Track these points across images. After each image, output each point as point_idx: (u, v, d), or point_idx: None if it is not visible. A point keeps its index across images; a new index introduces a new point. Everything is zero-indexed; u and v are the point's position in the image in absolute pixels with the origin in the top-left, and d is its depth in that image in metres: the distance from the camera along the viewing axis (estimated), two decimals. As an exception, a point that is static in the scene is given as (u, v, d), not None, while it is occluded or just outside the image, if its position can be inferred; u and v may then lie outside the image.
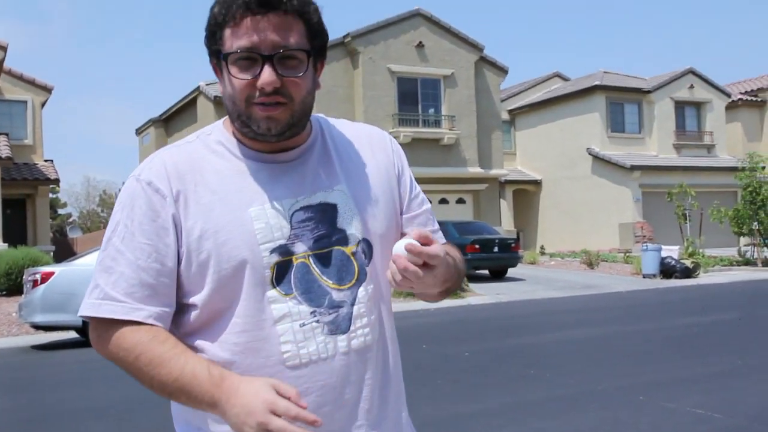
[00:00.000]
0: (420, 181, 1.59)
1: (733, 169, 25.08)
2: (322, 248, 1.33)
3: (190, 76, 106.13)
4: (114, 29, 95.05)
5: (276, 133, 1.30)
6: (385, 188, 1.44)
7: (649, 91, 29.13)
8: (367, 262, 1.37)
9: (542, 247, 29.04)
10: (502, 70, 27.07)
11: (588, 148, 28.58)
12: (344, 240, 1.35)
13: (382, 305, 1.42)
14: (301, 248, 1.32)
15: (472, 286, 16.20)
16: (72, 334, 10.97)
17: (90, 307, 1.31)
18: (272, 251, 1.30)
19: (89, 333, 1.36)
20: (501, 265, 18.95)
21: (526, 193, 31.29)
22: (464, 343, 9.01)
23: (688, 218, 23.58)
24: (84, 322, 10.03)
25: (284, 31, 1.26)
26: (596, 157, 28.30)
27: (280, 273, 1.31)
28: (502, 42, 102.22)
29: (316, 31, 1.31)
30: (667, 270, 18.44)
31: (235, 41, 1.26)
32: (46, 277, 10.08)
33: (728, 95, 30.74)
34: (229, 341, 1.30)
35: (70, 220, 54.26)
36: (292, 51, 1.27)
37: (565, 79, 34.38)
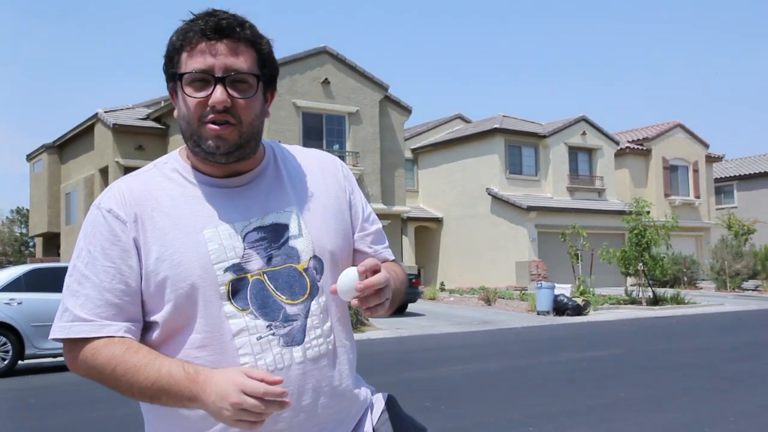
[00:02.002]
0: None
1: (621, 213, 26.42)
2: (275, 266, 1.43)
3: (87, 104, 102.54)
4: (4, 54, 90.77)
5: (224, 152, 1.38)
6: (335, 209, 1.54)
7: (545, 136, 30.46)
8: (319, 277, 1.47)
9: (442, 284, 29.51)
10: (406, 110, 27.66)
11: (487, 188, 29.48)
12: (296, 257, 1.45)
13: (334, 316, 1.51)
14: (255, 266, 1.41)
15: (372, 320, 16.23)
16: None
17: (61, 330, 1.38)
18: (226, 270, 1.39)
19: (64, 355, 1.43)
20: (401, 300, 19.09)
21: (427, 231, 31.83)
22: (362, 377, 8.96)
23: (580, 258, 24.61)
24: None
25: (236, 57, 1.36)
26: (495, 197, 29.22)
27: (236, 290, 1.40)
28: (406, 83, 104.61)
29: (266, 61, 1.42)
30: (559, 307, 19.11)
31: (190, 63, 1.36)
32: None
33: (617, 143, 32.54)
34: (190, 356, 1.38)
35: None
36: (243, 74, 1.37)
37: (467, 121, 35.47)
